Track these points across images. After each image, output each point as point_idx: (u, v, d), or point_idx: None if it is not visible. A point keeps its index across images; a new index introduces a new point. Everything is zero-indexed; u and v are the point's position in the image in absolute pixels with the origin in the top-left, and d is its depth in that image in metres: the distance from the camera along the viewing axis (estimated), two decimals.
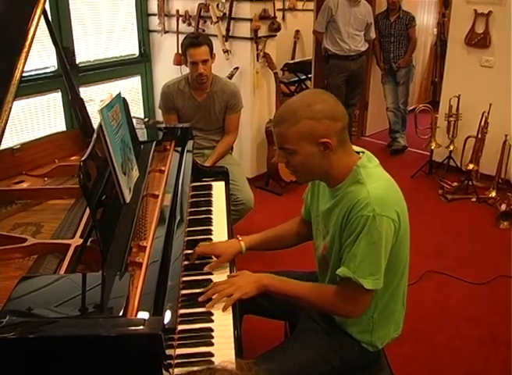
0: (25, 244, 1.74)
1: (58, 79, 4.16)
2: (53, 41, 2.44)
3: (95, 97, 4.66)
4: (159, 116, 3.81)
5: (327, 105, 1.60)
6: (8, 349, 1.19)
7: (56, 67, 4.25)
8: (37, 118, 4.29)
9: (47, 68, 4.25)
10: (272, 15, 4.39)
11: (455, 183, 4.62)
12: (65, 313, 1.26)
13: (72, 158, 2.51)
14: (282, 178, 4.52)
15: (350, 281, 1.60)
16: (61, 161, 2.46)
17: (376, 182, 1.63)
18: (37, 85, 4.16)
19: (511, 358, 2.63)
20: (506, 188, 4.43)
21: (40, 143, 2.51)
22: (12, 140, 3.77)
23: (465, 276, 3.31)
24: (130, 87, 5.18)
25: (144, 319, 1.25)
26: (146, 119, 3.13)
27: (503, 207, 4.11)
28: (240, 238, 1.99)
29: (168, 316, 1.42)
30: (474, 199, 4.44)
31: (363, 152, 1.73)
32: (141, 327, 1.22)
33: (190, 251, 1.94)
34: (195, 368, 1.08)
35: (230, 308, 1.67)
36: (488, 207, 4.32)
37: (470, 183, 4.54)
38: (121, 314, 1.26)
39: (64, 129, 4.36)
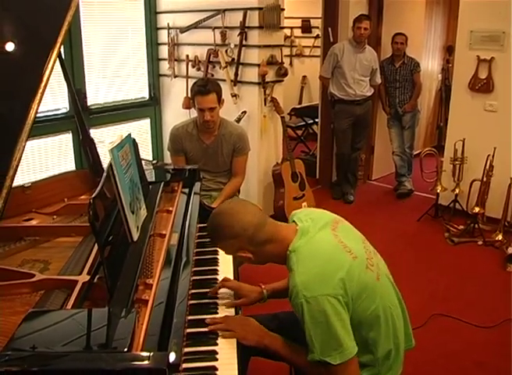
0: (33, 279, 1.75)
1: (69, 120, 4.26)
2: (67, 82, 2.51)
3: (105, 139, 4.73)
4: (168, 158, 3.85)
5: (222, 231, 1.73)
6: None
7: (68, 109, 4.35)
8: (49, 157, 4.37)
9: (59, 110, 4.35)
10: (280, 60, 4.49)
11: (461, 227, 4.62)
12: (71, 348, 1.27)
13: (81, 197, 2.55)
14: None
15: (322, 362, 1.61)
16: (70, 200, 2.50)
17: (305, 264, 1.65)
18: (49, 126, 4.25)
19: None
20: None
21: (50, 182, 2.55)
22: (23, 178, 3.82)
23: (472, 319, 3.28)
24: (140, 130, 5.26)
25: (149, 354, 1.26)
26: (154, 162, 3.17)
27: (510, 250, 4.09)
28: (263, 287, 2.02)
29: (173, 352, 1.41)
30: (480, 242, 4.42)
31: (301, 222, 1.78)
32: (146, 362, 1.23)
33: (195, 291, 1.94)
34: None
35: (235, 348, 1.68)
36: (495, 250, 4.30)
37: (476, 226, 4.54)
38: (126, 350, 1.27)
39: (73, 169, 4.42)
